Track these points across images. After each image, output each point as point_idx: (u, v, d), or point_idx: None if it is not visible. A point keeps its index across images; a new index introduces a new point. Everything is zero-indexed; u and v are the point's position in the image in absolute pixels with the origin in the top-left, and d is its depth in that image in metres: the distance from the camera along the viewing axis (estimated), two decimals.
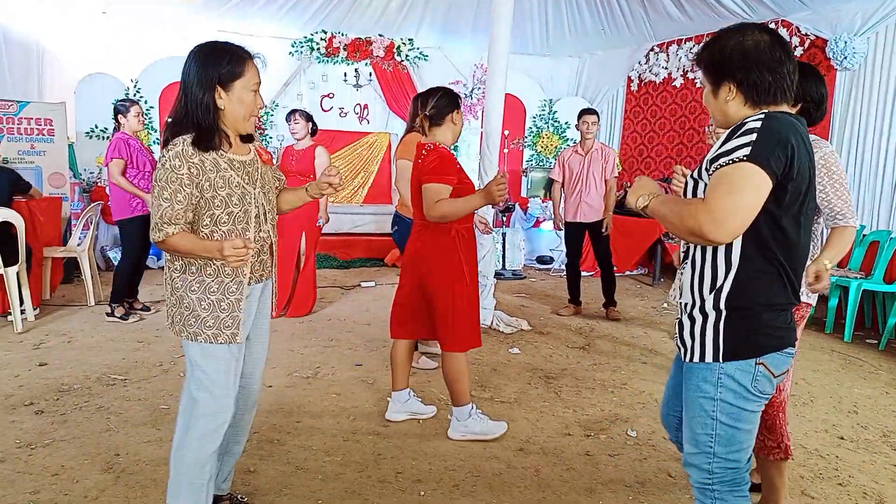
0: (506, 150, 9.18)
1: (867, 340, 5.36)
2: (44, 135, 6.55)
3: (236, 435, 2.36)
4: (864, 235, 5.79)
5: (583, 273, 6.26)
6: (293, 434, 3.17)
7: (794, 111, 2.42)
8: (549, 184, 7.00)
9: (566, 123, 9.45)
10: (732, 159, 1.53)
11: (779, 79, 1.64)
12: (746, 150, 1.51)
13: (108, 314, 5.14)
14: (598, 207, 5.75)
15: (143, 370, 4.00)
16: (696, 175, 1.71)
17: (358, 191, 9.26)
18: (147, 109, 8.11)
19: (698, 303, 1.71)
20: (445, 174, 2.94)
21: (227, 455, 2.37)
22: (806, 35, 6.78)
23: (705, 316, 1.69)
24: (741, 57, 1.64)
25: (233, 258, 1.93)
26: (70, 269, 6.44)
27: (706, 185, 1.61)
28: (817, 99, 2.45)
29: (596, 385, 4.05)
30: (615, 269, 6.09)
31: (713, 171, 1.58)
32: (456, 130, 3.18)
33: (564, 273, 6.10)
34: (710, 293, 1.68)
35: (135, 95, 8.00)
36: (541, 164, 9.36)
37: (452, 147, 3.52)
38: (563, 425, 3.42)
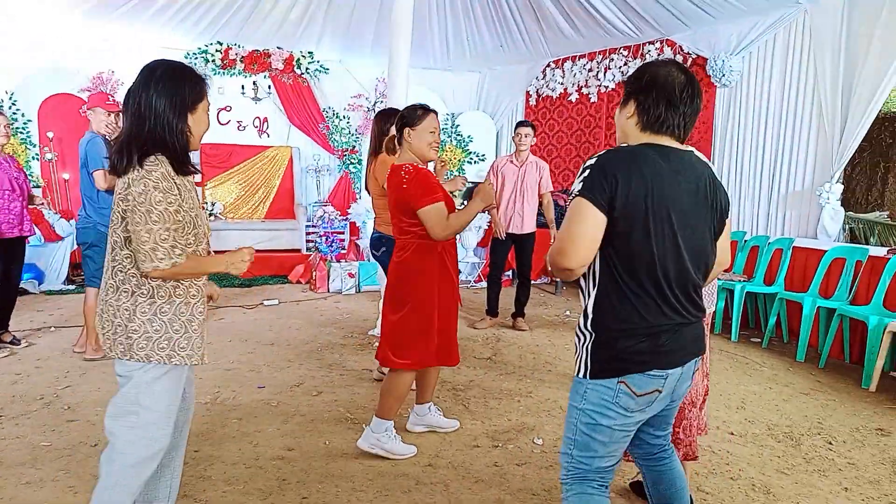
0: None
1: (751, 339, 5.73)
2: None
3: (178, 448, 2.32)
4: (745, 241, 6.19)
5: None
6: (191, 465, 3.00)
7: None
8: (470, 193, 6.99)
9: (469, 137, 9.59)
10: (573, 194, 1.75)
11: (673, 114, 1.81)
12: (579, 186, 1.73)
13: None
14: (530, 220, 5.81)
15: (20, 405, 3.68)
16: None
17: (259, 206, 9.00)
18: (24, 123, 7.58)
19: (579, 323, 1.89)
20: (434, 192, 2.93)
21: (169, 469, 2.29)
22: (688, 53, 7.22)
23: (581, 336, 1.88)
24: (650, 82, 1.82)
25: (248, 264, 2.11)
26: None
27: None
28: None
29: (503, 395, 4.09)
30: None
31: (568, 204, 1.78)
32: (424, 140, 3.07)
33: (471, 284, 6.14)
34: (581, 315, 1.87)
35: (10, 108, 7.45)
36: (445, 177, 9.43)
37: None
38: (471, 437, 3.43)
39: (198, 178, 1.98)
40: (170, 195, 1.93)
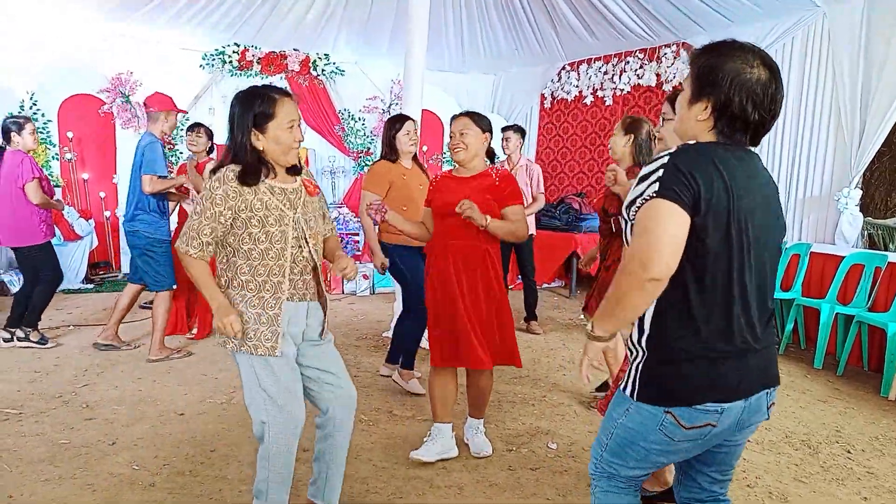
0: (425, 166, 9.21)
1: None
2: None
3: (336, 446, 2.53)
4: None
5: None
6: (206, 464, 3.03)
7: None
8: None
9: None
10: (644, 199, 1.52)
11: (759, 122, 1.58)
12: (655, 187, 1.50)
13: (19, 338, 4.74)
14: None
15: (40, 402, 3.73)
16: (625, 215, 1.65)
17: None
18: (45, 123, 7.67)
19: (632, 336, 1.69)
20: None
21: (329, 467, 2.55)
22: None
23: (634, 351, 1.68)
24: (736, 86, 1.55)
25: (221, 327, 2.18)
26: None
27: (632, 225, 1.59)
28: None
29: (517, 399, 4.09)
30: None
31: (634, 215, 1.57)
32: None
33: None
34: (636, 328, 1.67)
35: (31, 108, 7.54)
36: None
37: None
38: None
39: (295, 184, 2.15)
40: (213, 196, 2.17)
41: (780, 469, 3.23)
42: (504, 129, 5.88)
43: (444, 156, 9.54)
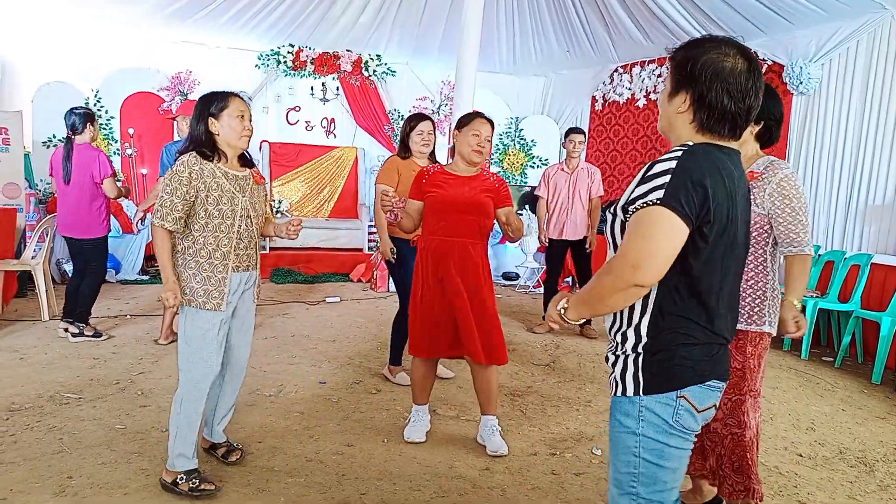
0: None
1: (823, 358, 5.50)
2: None
3: (225, 394, 2.99)
4: (819, 255, 5.95)
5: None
6: (255, 455, 3.10)
7: (755, 129, 2.49)
8: (531, 200, 7.03)
9: (532, 141, 9.55)
10: (646, 202, 1.46)
11: (736, 113, 1.55)
12: (660, 193, 1.45)
13: (73, 334, 4.85)
14: (582, 226, 5.81)
15: (98, 388, 3.87)
16: (613, 210, 1.63)
17: (324, 205, 9.20)
18: (108, 119, 7.96)
19: (623, 347, 1.64)
20: (415, 189, 3.35)
21: (223, 403, 3.00)
22: (763, 60, 6.99)
23: (626, 351, 1.63)
24: (711, 75, 1.53)
25: (166, 299, 2.63)
26: (24, 282, 6.24)
27: (622, 222, 1.57)
28: (778, 118, 2.50)
29: (561, 403, 4.06)
30: None
31: (630, 215, 1.52)
32: (465, 143, 3.29)
33: (530, 289, 6.13)
34: (621, 332, 1.63)
35: (95, 105, 7.84)
36: (507, 181, 9.43)
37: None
38: (528, 444, 3.42)
39: (244, 173, 2.54)
40: (178, 176, 2.61)
41: (833, 486, 3.12)
42: (571, 132, 5.84)
43: (491, 158, 9.54)
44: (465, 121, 3.30)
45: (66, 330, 4.91)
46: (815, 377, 4.95)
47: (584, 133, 5.81)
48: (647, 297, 1.57)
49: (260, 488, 2.79)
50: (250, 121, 2.78)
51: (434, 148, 4.22)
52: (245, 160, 2.85)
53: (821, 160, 6.48)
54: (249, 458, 3.06)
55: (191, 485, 2.67)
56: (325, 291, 7.34)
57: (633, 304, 1.59)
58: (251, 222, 2.79)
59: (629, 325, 1.61)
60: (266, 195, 2.96)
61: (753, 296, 2.49)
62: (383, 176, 4.12)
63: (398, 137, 4.26)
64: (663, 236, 1.45)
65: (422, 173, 3.32)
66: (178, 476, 2.68)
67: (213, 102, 2.71)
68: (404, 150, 4.16)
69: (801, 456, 3.46)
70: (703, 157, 1.51)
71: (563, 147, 5.92)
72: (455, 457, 3.21)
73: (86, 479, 2.78)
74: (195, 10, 7.57)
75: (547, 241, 5.95)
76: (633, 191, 1.51)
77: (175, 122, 5.08)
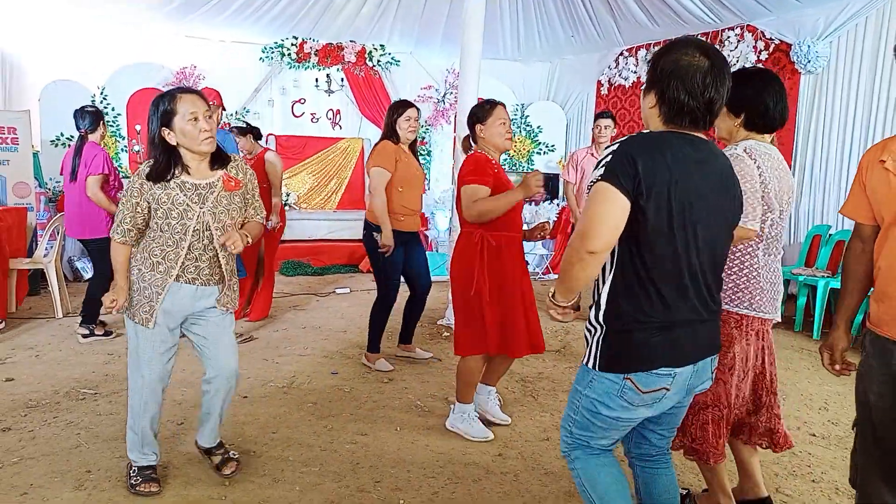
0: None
1: None
2: (7, 143, 6.39)
3: (209, 402, 2.79)
4: (829, 235, 5.92)
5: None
6: (269, 445, 3.13)
7: (737, 121, 2.48)
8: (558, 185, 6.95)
9: (538, 127, 9.52)
10: (593, 180, 1.69)
11: (694, 107, 1.71)
12: (602, 171, 1.67)
13: (83, 336, 4.82)
14: None
15: (113, 383, 3.91)
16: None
17: (331, 197, 9.21)
18: (115, 116, 7.98)
19: (590, 316, 1.85)
20: (482, 175, 3.09)
21: (206, 418, 2.83)
22: (771, 39, 6.92)
23: (593, 328, 1.83)
24: (670, 72, 1.71)
25: (105, 299, 2.54)
26: (36, 280, 6.30)
27: None
28: (759, 105, 2.44)
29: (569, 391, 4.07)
30: None
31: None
32: (496, 132, 3.23)
33: (539, 276, 6.12)
34: (593, 307, 1.83)
35: (101, 102, 7.87)
36: (514, 167, 9.41)
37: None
38: (540, 429, 3.43)
39: (211, 179, 2.36)
40: (131, 189, 2.49)
41: (846, 465, 3.11)
42: (598, 117, 5.78)
43: None
44: (485, 111, 3.24)
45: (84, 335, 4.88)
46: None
47: (612, 117, 5.74)
48: (604, 273, 1.78)
49: (275, 478, 2.82)
50: (210, 117, 2.47)
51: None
52: (218, 160, 2.57)
53: (830, 139, 6.42)
54: (264, 449, 3.09)
55: (132, 480, 2.67)
56: (335, 283, 7.36)
57: (598, 281, 1.81)
58: (208, 235, 2.54)
59: (596, 299, 1.81)
60: (248, 199, 2.69)
61: (736, 278, 2.47)
62: (382, 159, 4.09)
63: (384, 123, 4.28)
64: (604, 205, 1.65)
65: (488, 160, 3.19)
66: (131, 464, 2.72)
67: (160, 108, 2.43)
68: (392, 136, 4.17)
69: (814, 436, 3.46)
70: (641, 139, 1.71)
71: (592, 131, 5.86)
72: (468, 443, 3.23)
73: (104, 472, 2.82)
74: (199, 5, 7.55)
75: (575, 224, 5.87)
76: (591, 176, 1.74)
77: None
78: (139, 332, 2.60)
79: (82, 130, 4.82)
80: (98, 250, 4.87)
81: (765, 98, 2.44)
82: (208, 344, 2.71)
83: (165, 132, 2.44)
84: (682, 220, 1.68)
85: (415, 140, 4.28)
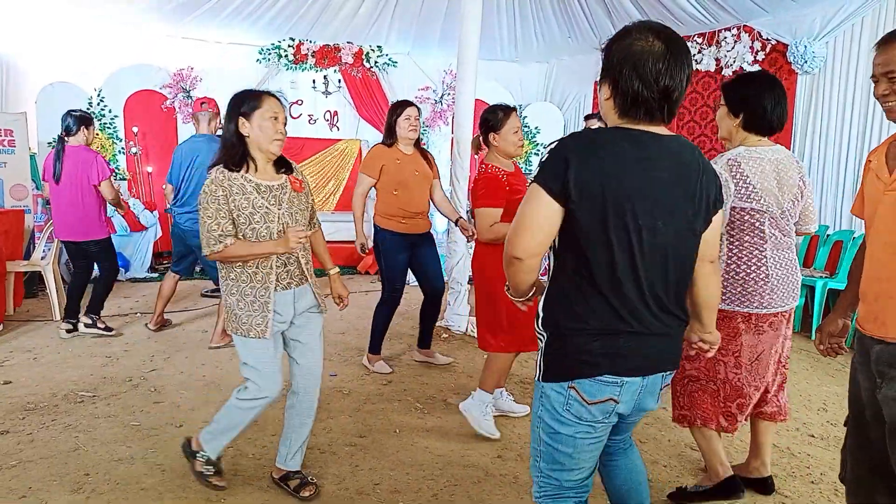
0: (476, 156, 9.22)
1: None
2: (4, 146, 6.38)
3: (301, 416, 2.73)
4: (827, 235, 5.93)
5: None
6: (268, 447, 3.12)
7: (736, 122, 2.51)
8: None
9: (536, 128, 9.51)
10: (530, 181, 1.61)
11: (649, 97, 1.54)
12: (536, 171, 1.59)
13: (86, 325, 4.90)
14: None
15: (111, 386, 3.91)
16: None
17: (329, 199, 9.20)
18: (112, 118, 7.97)
19: (535, 323, 1.74)
20: (494, 198, 3.12)
21: (294, 434, 2.74)
22: (767, 40, 6.93)
23: (540, 336, 1.72)
24: (621, 59, 1.56)
25: (295, 242, 2.39)
26: (33, 283, 6.28)
27: None
28: (758, 106, 2.47)
29: None
30: None
31: None
32: (509, 142, 3.25)
33: (540, 276, 6.11)
34: (539, 309, 1.72)
35: (99, 104, 7.85)
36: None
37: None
38: None
39: (280, 181, 2.52)
40: (212, 196, 2.40)
41: None
42: (589, 118, 5.85)
43: None
44: (500, 120, 3.24)
45: (69, 331, 4.92)
46: (825, 358, 4.93)
47: (601, 118, 5.77)
48: (549, 278, 1.69)
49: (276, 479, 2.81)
50: (285, 125, 2.52)
51: (419, 135, 4.27)
52: (282, 164, 2.58)
53: (827, 139, 6.43)
54: (263, 451, 3.09)
55: (204, 470, 2.67)
56: None
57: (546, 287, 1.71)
58: None
59: (541, 305, 1.71)
60: (310, 203, 2.70)
61: (743, 282, 2.53)
62: (365, 167, 4.19)
63: (384, 125, 4.28)
64: (531, 209, 1.57)
65: (499, 179, 3.17)
66: (201, 453, 2.67)
67: (246, 101, 2.47)
68: (390, 137, 4.18)
69: (813, 437, 3.46)
70: (576, 138, 1.60)
71: None
72: (467, 445, 3.23)
73: (102, 475, 2.82)
74: (196, 7, 7.55)
75: None
76: None
77: (194, 118, 5.10)
78: (256, 346, 2.53)
79: (62, 133, 4.83)
80: (102, 250, 4.96)
81: (764, 101, 2.47)
82: (306, 351, 2.69)
83: (242, 122, 2.44)
84: (619, 223, 1.53)
85: (418, 139, 4.27)
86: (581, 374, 1.62)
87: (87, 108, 7.74)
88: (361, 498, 2.71)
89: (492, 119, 3.26)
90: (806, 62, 6.44)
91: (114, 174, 4.95)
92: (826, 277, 5.46)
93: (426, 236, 4.33)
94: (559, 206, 1.54)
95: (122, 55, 7.94)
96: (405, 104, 4.21)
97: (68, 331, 4.92)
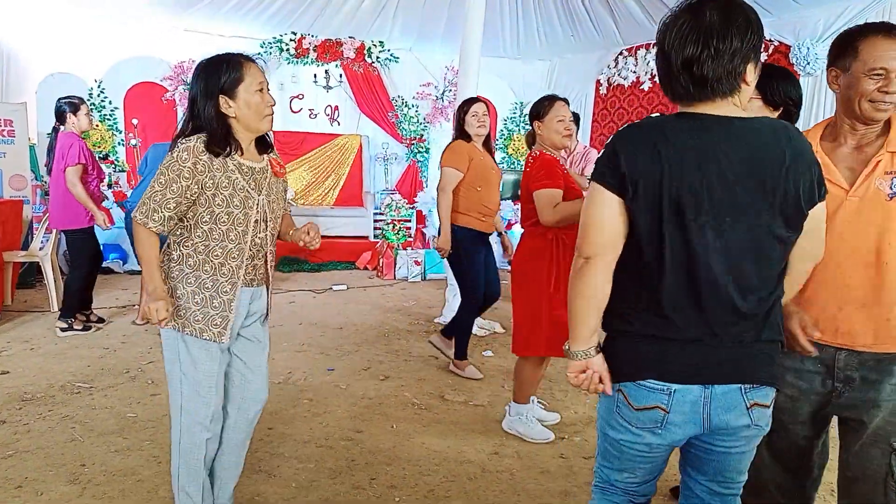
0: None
1: None
2: (4, 136, 6.37)
3: (227, 449, 2.36)
4: None
5: None
6: (265, 441, 3.12)
7: (775, 114, 2.43)
8: None
9: None
10: (589, 181, 1.55)
11: (679, 72, 1.44)
12: (594, 169, 1.53)
13: (62, 329, 4.76)
14: None
15: (109, 377, 3.90)
16: None
17: (329, 193, 9.19)
18: (112, 110, 7.96)
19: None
20: (554, 179, 3.01)
21: (217, 467, 2.37)
22: (770, 41, 6.93)
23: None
24: (657, 45, 1.48)
25: (148, 312, 2.04)
26: (31, 273, 6.28)
27: None
28: (797, 101, 2.44)
29: (569, 387, 4.07)
30: None
31: None
32: (553, 129, 3.17)
33: None
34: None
35: (99, 95, 7.84)
36: (512, 166, 9.40)
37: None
38: None
39: (262, 164, 2.17)
40: (184, 163, 2.00)
41: (835, 467, 3.12)
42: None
43: (496, 143, 9.51)
44: (543, 108, 3.18)
45: (63, 329, 4.81)
46: None
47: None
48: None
49: (270, 473, 2.82)
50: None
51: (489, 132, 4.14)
52: (263, 143, 2.24)
53: None
54: (259, 445, 3.09)
55: None
56: (332, 279, 7.35)
57: None
58: (266, 227, 2.20)
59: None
60: (286, 189, 2.37)
61: None
62: (454, 161, 3.95)
63: (454, 125, 4.11)
64: (593, 207, 1.50)
65: (556, 161, 3.13)
66: None
67: (224, 72, 2.05)
68: (463, 135, 4.04)
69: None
70: (629, 129, 1.50)
71: None
72: (464, 441, 3.23)
73: (99, 466, 2.81)
74: (198, 0, 7.54)
75: None
76: None
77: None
78: (204, 350, 2.14)
79: (55, 122, 4.80)
80: (77, 240, 4.85)
81: (800, 97, 2.41)
82: (247, 367, 2.32)
83: (224, 100, 2.06)
84: (676, 221, 1.42)
85: (488, 136, 4.14)
86: (625, 376, 1.54)
87: (88, 100, 7.73)
88: (357, 492, 2.71)
89: (537, 107, 3.23)
90: (808, 64, 6.44)
91: (83, 165, 4.67)
92: None
93: (489, 238, 4.21)
94: (620, 199, 1.45)
95: (124, 47, 7.93)
96: (471, 101, 4.09)
97: (63, 329, 4.78)
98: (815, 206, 1.48)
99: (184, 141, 2.05)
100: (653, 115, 1.57)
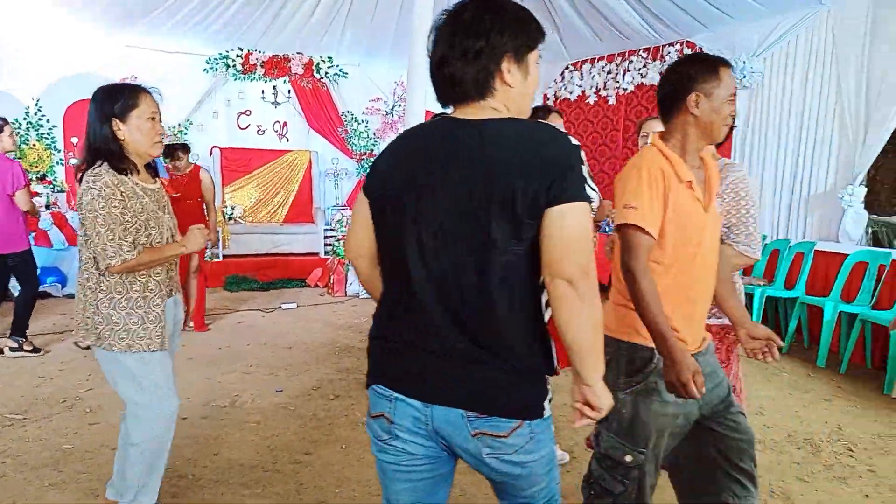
0: None
1: None
2: None
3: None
4: (765, 244, 6.12)
5: None
6: (209, 468, 3.04)
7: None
8: None
9: None
10: None
11: (432, 74, 1.43)
12: None
13: (12, 349, 4.67)
14: None
15: (43, 408, 3.75)
16: None
17: (277, 210, 9.08)
18: (50, 129, 7.72)
19: None
20: None
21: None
22: (708, 55, 7.14)
23: None
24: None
25: (204, 240, 2.36)
26: None
27: None
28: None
29: (566, 396, 4.08)
30: None
31: None
32: None
33: None
34: None
35: (36, 114, 7.60)
36: None
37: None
38: None
39: (155, 185, 2.20)
40: (112, 201, 2.15)
41: (782, 468, 3.21)
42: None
43: None
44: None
45: (11, 349, 4.73)
46: (762, 363, 5.07)
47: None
48: None
49: (215, 502, 2.74)
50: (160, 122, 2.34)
51: None
52: (152, 169, 2.43)
53: (765, 152, 6.66)
54: (204, 472, 3.00)
55: None
56: (282, 298, 7.24)
57: None
58: (172, 241, 2.42)
59: None
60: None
61: None
62: None
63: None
64: (355, 211, 1.53)
65: None
66: None
67: (119, 99, 2.21)
68: None
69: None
70: (403, 134, 1.50)
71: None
72: None
73: (31, 502, 2.69)
74: (141, 15, 7.40)
75: None
76: None
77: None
78: (156, 361, 2.30)
79: None
80: (22, 263, 4.77)
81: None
82: None
83: (117, 124, 2.20)
84: (394, 222, 1.37)
85: None
86: (367, 382, 1.50)
87: (24, 118, 7.49)
88: None
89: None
90: (745, 77, 6.67)
91: (28, 185, 4.68)
92: (764, 285, 5.63)
93: None
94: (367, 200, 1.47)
95: (64, 64, 7.70)
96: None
97: (12, 349, 4.69)
98: (543, 214, 1.27)
99: (91, 174, 2.18)
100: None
